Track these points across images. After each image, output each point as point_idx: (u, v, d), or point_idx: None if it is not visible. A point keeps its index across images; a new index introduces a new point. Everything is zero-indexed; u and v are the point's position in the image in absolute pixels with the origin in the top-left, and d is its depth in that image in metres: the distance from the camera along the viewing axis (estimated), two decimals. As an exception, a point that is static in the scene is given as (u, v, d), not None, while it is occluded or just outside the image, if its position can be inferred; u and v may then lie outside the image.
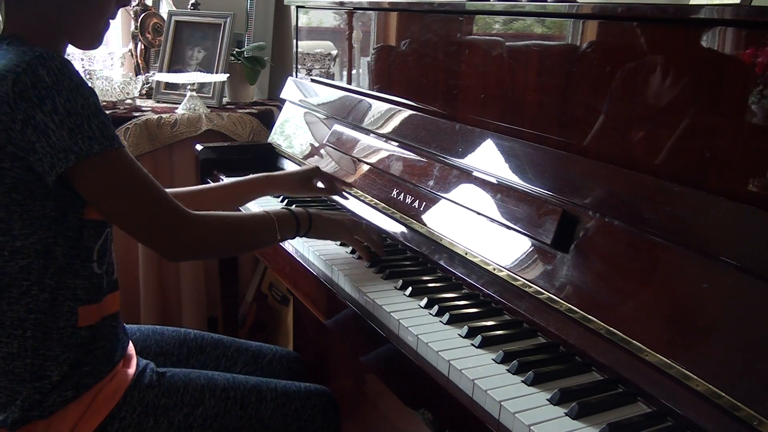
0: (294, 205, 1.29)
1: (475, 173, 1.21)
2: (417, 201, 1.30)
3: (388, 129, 1.49)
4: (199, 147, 1.89)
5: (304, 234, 1.16)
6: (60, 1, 0.94)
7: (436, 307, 1.02)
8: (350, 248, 1.27)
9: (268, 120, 2.29)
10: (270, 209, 1.15)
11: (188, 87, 2.27)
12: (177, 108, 2.25)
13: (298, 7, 2.01)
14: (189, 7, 2.53)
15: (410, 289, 1.09)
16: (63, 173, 0.88)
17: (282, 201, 1.59)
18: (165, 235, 0.97)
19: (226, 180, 1.43)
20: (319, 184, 1.48)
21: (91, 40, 1.01)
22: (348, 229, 1.21)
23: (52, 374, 0.94)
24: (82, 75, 2.51)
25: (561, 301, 0.95)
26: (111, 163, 0.91)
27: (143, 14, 2.52)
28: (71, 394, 0.94)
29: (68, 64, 0.88)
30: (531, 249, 1.04)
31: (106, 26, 1.02)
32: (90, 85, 0.92)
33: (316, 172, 1.47)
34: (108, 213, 0.95)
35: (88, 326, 0.97)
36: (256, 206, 1.57)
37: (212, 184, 1.42)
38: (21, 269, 0.92)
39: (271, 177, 1.41)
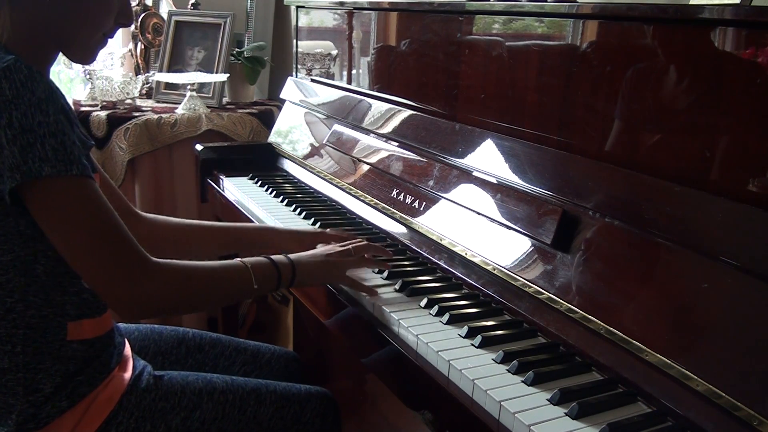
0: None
1: (475, 173, 1.21)
2: (417, 201, 1.30)
3: (388, 129, 1.49)
4: (199, 147, 1.89)
5: (288, 286, 1.05)
6: (52, 10, 0.89)
7: (436, 307, 1.02)
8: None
9: (268, 120, 2.29)
10: (248, 259, 1.02)
11: (188, 87, 2.27)
12: (177, 108, 2.25)
13: (298, 7, 2.01)
14: (189, 7, 2.53)
15: (410, 289, 1.09)
16: (13, 192, 0.83)
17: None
18: (120, 283, 0.86)
19: (219, 223, 1.29)
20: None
21: (84, 53, 0.96)
22: (338, 273, 1.08)
23: (44, 387, 0.92)
24: (82, 75, 2.47)
25: (561, 301, 0.95)
26: (63, 191, 0.83)
27: (143, 14, 2.52)
28: (66, 405, 0.93)
29: (35, 78, 0.83)
30: (531, 249, 1.04)
31: (102, 42, 0.97)
32: (65, 101, 0.85)
33: (320, 237, 1.25)
34: (58, 247, 0.86)
35: (81, 340, 0.95)
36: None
37: (206, 223, 1.29)
38: (1, 286, 0.89)
39: (270, 230, 1.28)
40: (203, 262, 0.97)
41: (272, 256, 1.04)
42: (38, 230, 0.88)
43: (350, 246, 1.13)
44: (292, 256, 1.06)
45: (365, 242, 1.17)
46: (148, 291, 0.88)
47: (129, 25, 1.02)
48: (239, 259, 1.02)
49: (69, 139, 0.84)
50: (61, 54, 0.97)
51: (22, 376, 0.91)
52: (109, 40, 1.00)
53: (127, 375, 1.01)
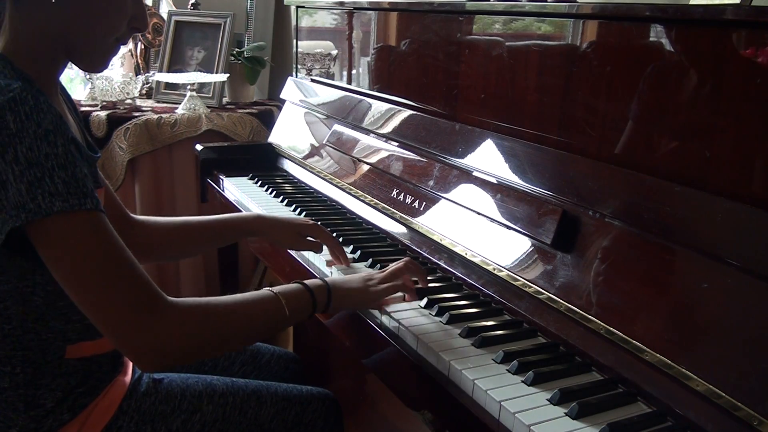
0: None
1: (475, 173, 1.21)
2: (417, 201, 1.30)
3: (388, 129, 1.49)
4: (199, 147, 1.89)
5: (323, 310, 0.99)
6: (60, 14, 0.84)
7: (436, 307, 1.02)
8: (350, 247, 1.27)
9: (268, 120, 2.30)
10: (276, 287, 0.95)
11: (188, 87, 2.27)
12: (177, 108, 2.25)
13: (298, 7, 2.01)
14: (189, 7, 2.53)
15: (410, 289, 1.09)
16: (15, 231, 0.77)
17: (282, 201, 1.58)
18: (134, 326, 0.79)
19: (209, 217, 1.27)
20: (309, 238, 1.25)
21: (94, 60, 0.91)
22: (375, 299, 1.02)
23: (46, 402, 0.91)
24: (82, 75, 2.46)
25: (561, 301, 0.95)
26: (75, 227, 0.78)
27: (143, 14, 2.52)
28: (67, 417, 0.92)
29: (42, 109, 0.77)
30: (531, 249, 1.04)
31: (115, 49, 0.92)
32: (70, 131, 0.80)
33: (312, 230, 1.24)
34: (65, 287, 0.79)
35: (80, 357, 0.94)
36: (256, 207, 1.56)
37: (195, 218, 1.25)
38: None
39: (256, 218, 1.25)
40: (226, 296, 0.91)
41: (305, 281, 0.98)
42: (37, 264, 0.84)
43: (390, 270, 1.07)
44: (327, 279, 1.01)
45: (404, 264, 1.07)
46: (165, 334, 0.81)
47: (143, 30, 0.95)
48: (268, 288, 0.95)
49: (80, 172, 0.79)
50: None
51: (23, 392, 0.90)
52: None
53: (127, 379, 1.00)
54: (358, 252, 1.24)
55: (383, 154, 1.46)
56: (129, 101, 2.30)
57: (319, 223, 1.28)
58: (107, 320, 0.80)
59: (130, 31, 0.91)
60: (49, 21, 0.85)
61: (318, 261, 1.24)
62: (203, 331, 0.85)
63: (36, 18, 0.85)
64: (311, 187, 1.68)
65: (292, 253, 1.31)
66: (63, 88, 1.02)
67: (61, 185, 0.77)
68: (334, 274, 1.19)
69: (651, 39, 0.95)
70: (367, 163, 1.49)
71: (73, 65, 0.94)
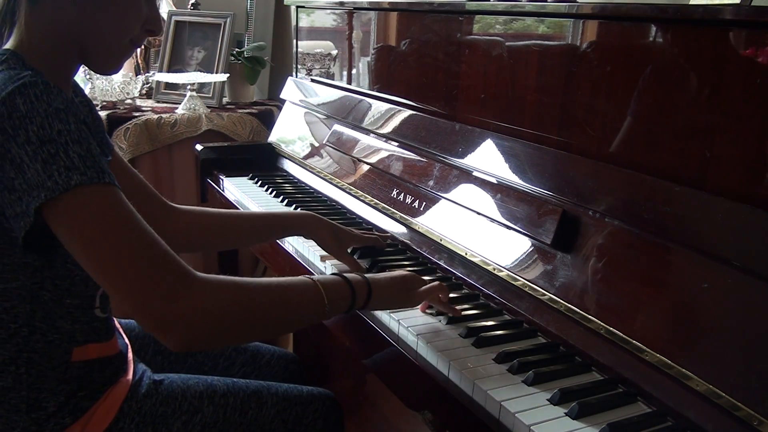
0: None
1: (475, 173, 1.21)
2: (417, 201, 1.30)
3: (388, 129, 1.49)
4: (199, 147, 1.89)
5: (361, 308, 0.94)
6: (80, 16, 0.85)
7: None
8: (350, 247, 1.27)
9: (268, 120, 2.30)
10: (316, 276, 0.90)
11: (188, 87, 2.27)
12: (177, 108, 2.25)
13: (298, 7, 2.01)
14: (189, 7, 2.53)
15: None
16: (36, 212, 0.75)
17: (282, 201, 1.59)
18: (160, 302, 0.75)
19: (261, 211, 1.25)
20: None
21: (108, 62, 0.91)
22: (414, 298, 1.00)
23: (48, 405, 0.91)
24: (82, 75, 2.47)
25: (561, 301, 0.95)
26: (94, 201, 0.76)
27: (143, 14, 2.52)
28: (69, 421, 0.92)
29: (52, 91, 0.77)
30: (531, 249, 1.04)
31: (129, 50, 0.91)
32: (76, 110, 0.79)
33: (359, 240, 1.24)
34: (88, 266, 0.77)
35: (86, 360, 0.94)
36: (256, 205, 1.56)
37: (245, 211, 1.20)
38: (5, 311, 0.86)
39: (317, 218, 1.21)
40: (262, 278, 0.87)
41: (345, 274, 0.94)
42: (46, 260, 0.85)
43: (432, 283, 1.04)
44: (367, 275, 0.97)
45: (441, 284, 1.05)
46: (194, 306, 0.77)
47: (158, 33, 0.95)
48: (306, 276, 0.91)
49: (95, 149, 0.78)
50: None
51: (26, 394, 0.90)
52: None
53: (128, 381, 1.00)
54: (358, 252, 1.24)
55: (383, 154, 1.46)
56: (129, 101, 2.30)
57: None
58: (133, 293, 0.76)
59: (144, 33, 0.91)
60: (65, 21, 0.85)
61: (313, 257, 1.24)
62: (237, 309, 0.81)
63: (52, 18, 0.85)
64: (311, 187, 1.68)
65: (290, 251, 1.31)
66: (78, 88, 1.02)
67: (77, 159, 0.75)
68: (327, 269, 1.19)
69: (651, 39, 0.95)
70: (367, 163, 1.49)
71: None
